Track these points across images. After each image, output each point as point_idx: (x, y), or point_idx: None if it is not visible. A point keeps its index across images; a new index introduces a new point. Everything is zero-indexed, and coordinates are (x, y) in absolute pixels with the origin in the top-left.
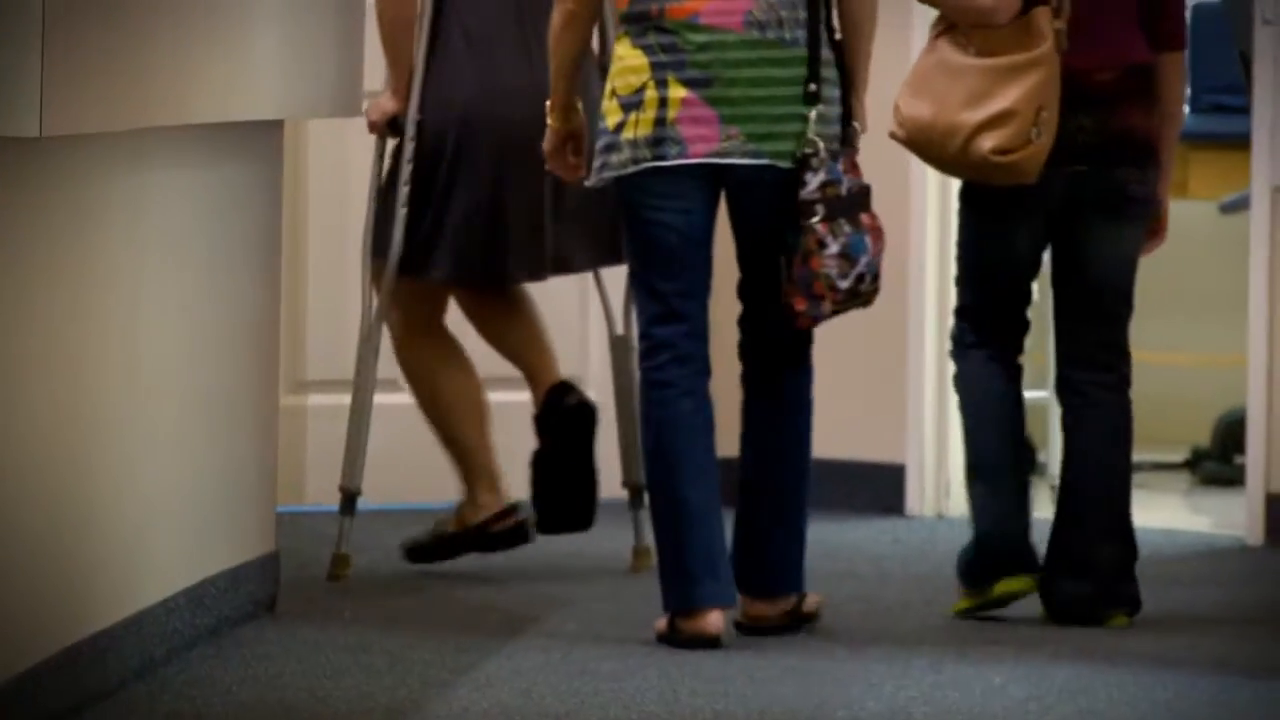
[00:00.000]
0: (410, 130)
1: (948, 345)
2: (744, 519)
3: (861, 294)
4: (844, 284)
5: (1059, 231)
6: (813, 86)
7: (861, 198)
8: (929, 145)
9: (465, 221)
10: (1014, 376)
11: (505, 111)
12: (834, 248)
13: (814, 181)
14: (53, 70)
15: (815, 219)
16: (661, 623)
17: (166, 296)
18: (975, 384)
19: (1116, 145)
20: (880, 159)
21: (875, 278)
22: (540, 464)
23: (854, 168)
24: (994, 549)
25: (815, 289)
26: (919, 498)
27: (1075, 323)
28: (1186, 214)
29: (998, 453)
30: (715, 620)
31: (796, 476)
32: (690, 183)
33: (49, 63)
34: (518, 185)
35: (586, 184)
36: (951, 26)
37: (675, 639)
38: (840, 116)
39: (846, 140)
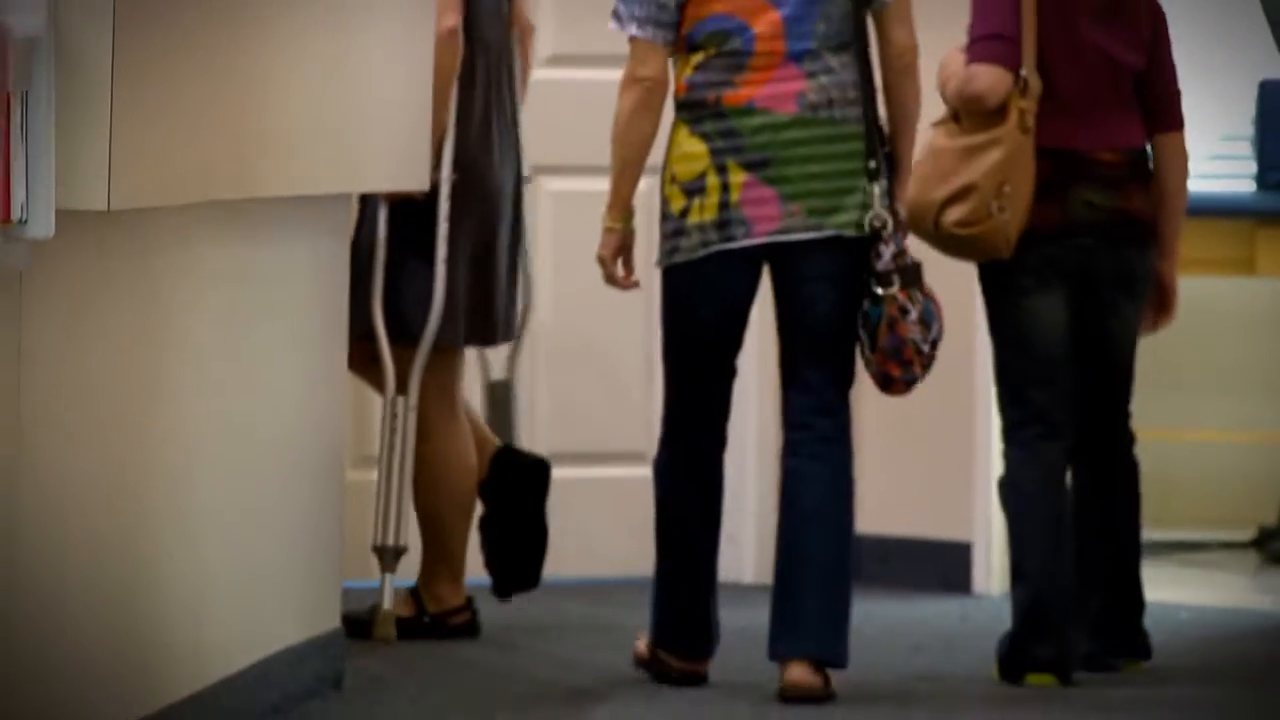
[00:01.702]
0: (445, 189)
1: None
2: (784, 580)
3: (933, 359)
4: (925, 348)
5: (1077, 306)
6: (873, 162)
7: (920, 270)
8: (914, 222)
9: (471, 283)
10: (1062, 471)
11: (498, 176)
12: (914, 314)
13: (887, 253)
14: (120, 144)
15: (895, 288)
16: (642, 645)
17: (230, 368)
18: (1024, 481)
19: (1122, 224)
20: None
21: (939, 343)
22: (494, 529)
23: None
24: (1025, 655)
25: (905, 355)
26: (985, 575)
27: (1084, 393)
28: (1253, 291)
29: (1042, 562)
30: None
31: (840, 538)
32: (744, 263)
33: (117, 137)
34: (502, 250)
35: (656, 265)
36: (954, 117)
37: (662, 673)
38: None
39: (897, 217)
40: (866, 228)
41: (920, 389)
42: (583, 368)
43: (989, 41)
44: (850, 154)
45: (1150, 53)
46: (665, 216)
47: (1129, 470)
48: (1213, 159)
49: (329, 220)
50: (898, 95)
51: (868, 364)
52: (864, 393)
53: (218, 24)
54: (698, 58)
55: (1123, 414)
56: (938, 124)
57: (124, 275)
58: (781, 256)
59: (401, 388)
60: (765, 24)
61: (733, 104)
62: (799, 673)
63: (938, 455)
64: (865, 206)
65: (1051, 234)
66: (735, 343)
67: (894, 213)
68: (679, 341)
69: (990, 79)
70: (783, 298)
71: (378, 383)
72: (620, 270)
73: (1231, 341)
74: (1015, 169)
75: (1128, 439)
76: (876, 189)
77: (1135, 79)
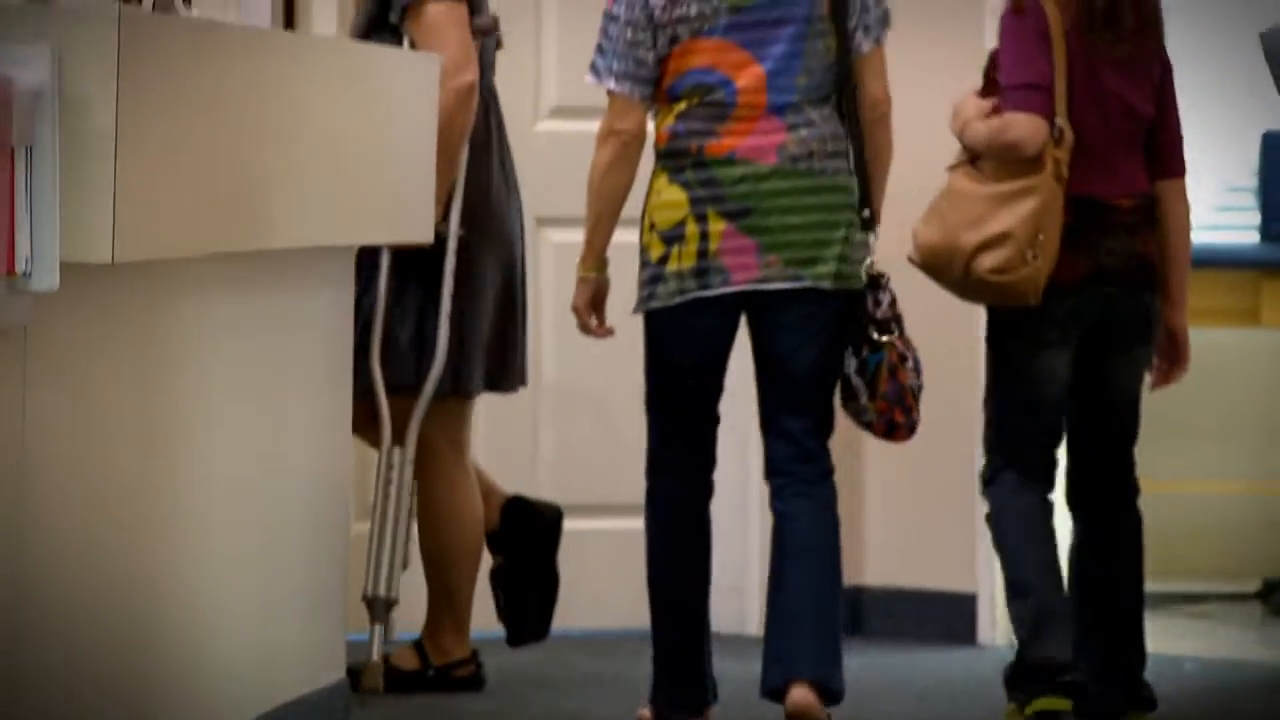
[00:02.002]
0: (452, 244)
1: (984, 489)
2: (775, 613)
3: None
4: (920, 395)
5: (1088, 355)
6: (866, 212)
7: (902, 319)
8: (938, 268)
9: (493, 330)
10: (1049, 508)
11: (515, 224)
12: (911, 361)
13: (885, 300)
14: (125, 197)
15: (895, 335)
16: (647, 714)
17: (236, 421)
18: (1013, 508)
19: (1140, 269)
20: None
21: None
22: (506, 580)
23: None
24: (1033, 666)
25: (907, 400)
26: (990, 626)
27: (1090, 441)
28: (1258, 343)
29: (1038, 572)
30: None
31: (829, 569)
32: (721, 310)
33: (121, 190)
34: (521, 297)
35: (633, 311)
36: (970, 161)
37: None
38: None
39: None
40: (865, 276)
41: (923, 440)
42: (587, 419)
43: (1026, 90)
44: (829, 206)
45: (1159, 101)
46: (644, 264)
47: (1133, 521)
48: (1217, 210)
49: (333, 272)
50: (873, 146)
51: (864, 412)
52: (867, 445)
53: (222, 77)
54: (680, 107)
55: (1129, 462)
56: (954, 167)
57: (128, 328)
58: (759, 306)
59: (399, 438)
60: (748, 77)
61: (714, 154)
62: (800, 694)
63: (940, 506)
64: (844, 258)
65: (1077, 283)
66: (715, 388)
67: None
68: (661, 386)
69: (1029, 128)
70: (761, 348)
71: (377, 442)
72: (593, 320)
73: (1236, 392)
74: (1048, 217)
75: (1134, 488)
76: (872, 238)
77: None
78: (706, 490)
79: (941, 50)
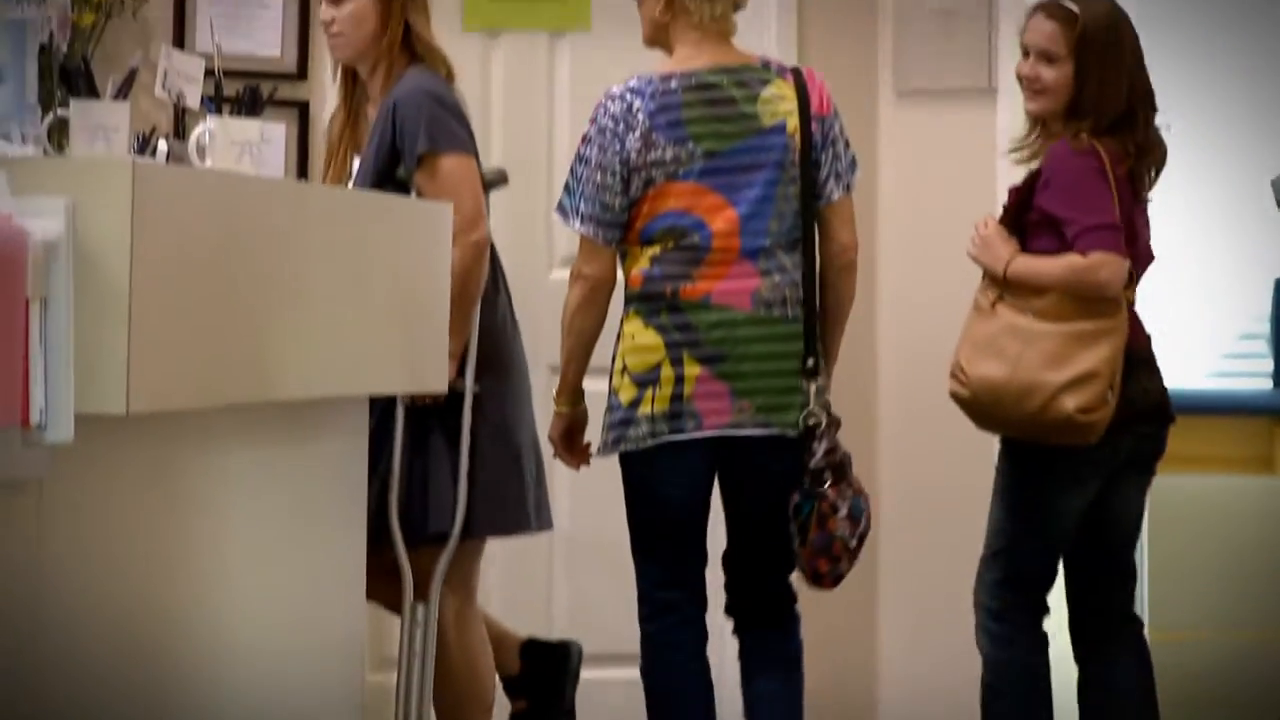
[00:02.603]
0: (469, 399)
1: (988, 622)
2: None
3: (860, 552)
4: (853, 544)
5: (1104, 491)
6: (811, 361)
7: (849, 464)
8: (999, 404)
9: (518, 473)
10: (1045, 647)
11: (523, 368)
12: (843, 510)
13: (820, 450)
14: (139, 349)
15: (827, 485)
16: None
17: (251, 571)
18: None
19: (1165, 405)
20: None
21: (866, 536)
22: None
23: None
24: None
25: (834, 550)
26: None
27: (1095, 576)
28: (1272, 490)
29: None
30: None
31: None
32: (696, 454)
33: (135, 341)
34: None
35: (596, 455)
36: (1003, 294)
37: None
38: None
39: (830, 413)
40: (801, 426)
41: (938, 567)
42: (600, 569)
43: (1108, 231)
44: (797, 354)
45: None
46: (612, 407)
47: (1143, 661)
48: (1229, 357)
49: (348, 421)
50: (836, 292)
51: (795, 557)
52: (884, 573)
53: (237, 228)
54: (653, 250)
55: (1129, 597)
56: (998, 300)
57: (143, 478)
58: (729, 450)
59: (421, 594)
60: (722, 221)
61: (690, 297)
62: None
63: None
64: (804, 406)
65: (1120, 423)
66: (700, 527)
67: (827, 408)
68: (645, 528)
69: (1118, 269)
70: (728, 491)
71: (388, 601)
72: (568, 452)
73: (1249, 540)
74: (1120, 358)
75: (1138, 625)
76: (813, 387)
77: None
78: (703, 632)
79: (956, 130)
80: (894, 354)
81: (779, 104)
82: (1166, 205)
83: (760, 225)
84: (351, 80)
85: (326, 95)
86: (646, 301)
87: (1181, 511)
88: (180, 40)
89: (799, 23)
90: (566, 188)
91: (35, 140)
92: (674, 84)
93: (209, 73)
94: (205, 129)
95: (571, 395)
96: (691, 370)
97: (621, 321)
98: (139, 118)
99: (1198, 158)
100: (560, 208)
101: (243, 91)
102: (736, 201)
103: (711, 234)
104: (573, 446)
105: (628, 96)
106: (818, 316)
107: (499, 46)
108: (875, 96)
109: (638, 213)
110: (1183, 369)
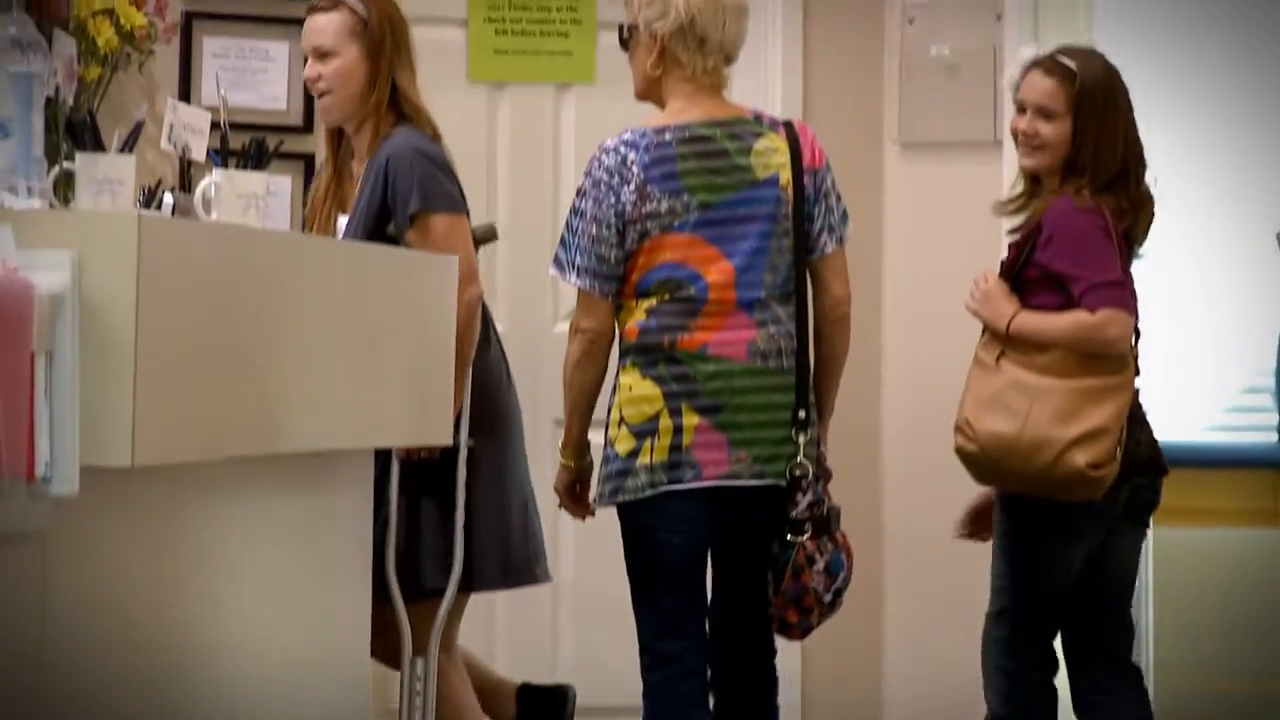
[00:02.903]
0: (463, 454)
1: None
2: None
3: (836, 607)
4: (827, 598)
5: (1103, 542)
6: (802, 413)
7: (837, 517)
8: (1009, 460)
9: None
10: (1055, 702)
11: (516, 419)
12: (820, 564)
13: (803, 501)
14: (144, 401)
15: (805, 536)
16: None
17: (255, 622)
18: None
19: (1159, 456)
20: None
21: (844, 592)
22: None
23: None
24: None
25: (806, 602)
26: None
27: (1093, 628)
28: (1275, 544)
29: None
30: None
31: None
32: (694, 503)
33: (140, 394)
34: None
35: (592, 503)
36: (1005, 350)
37: None
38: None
39: (821, 465)
40: (787, 476)
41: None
42: (604, 620)
43: (1115, 288)
44: (790, 405)
45: None
46: (609, 459)
47: (1144, 707)
48: (1234, 410)
49: (353, 473)
50: (831, 344)
51: (768, 604)
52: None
53: (241, 281)
54: (649, 303)
55: (1126, 645)
56: (1004, 357)
57: (148, 530)
58: (725, 500)
59: (419, 649)
60: (717, 273)
61: (687, 348)
62: None
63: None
64: (792, 456)
65: (1119, 475)
66: (700, 573)
67: (818, 460)
68: (646, 578)
69: (1126, 326)
70: (720, 541)
71: (384, 655)
72: (574, 504)
73: (1255, 593)
74: (1126, 414)
75: (1135, 674)
76: (803, 438)
77: None
78: (705, 683)
79: (960, 182)
80: (899, 404)
81: (772, 157)
82: (1170, 258)
83: (755, 277)
84: (337, 139)
85: None
86: (643, 353)
87: (1187, 564)
88: (186, 93)
89: (804, 74)
90: (562, 242)
91: (41, 194)
92: (668, 136)
93: (215, 126)
94: (211, 182)
95: (577, 449)
96: (690, 420)
97: (617, 373)
98: (145, 171)
99: (1202, 211)
100: (556, 262)
101: (249, 144)
102: (731, 254)
103: (707, 286)
104: (578, 499)
105: (622, 149)
106: (811, 369)
107: (505, 98)
108: (880, 148)
109: (633, 265)
110: (1187, 422)
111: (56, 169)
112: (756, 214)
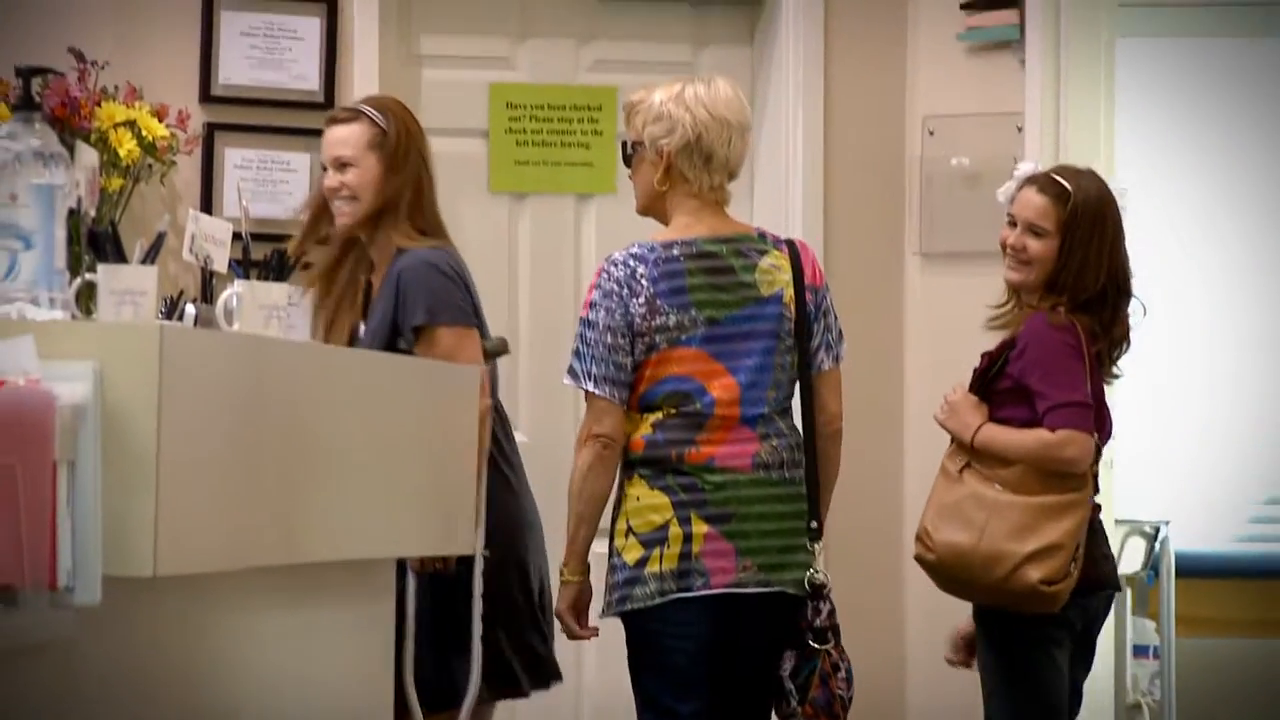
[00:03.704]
0: (479, 565)
1: None
2: None
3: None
4: (848, 704)
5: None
6: (815, 523)
7: (839, 630)
8: (964, 570)
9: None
10: None
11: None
12: (843, 670)
13: (825, 610)
14: (166, 511)
15: (831, 644)
16: None
17: None
18: None
19: (1116, 571)
20: None
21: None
22: None
23: None
24: None
25: (835, 709)
26: None
27: None
28: None
29: None
30: None
31: None
32: (701, 611)
33: (163, 504)
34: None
35: (601, 614)
36: (970, 461)
37: None
38: None
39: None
40: (808, 585)
41: None
42: None
43: (1079, 409)
44: (795, 514)
45: None
46: (616, 567)
47: None
48: (1256, 521)
49: (374, 583)
50: (826, 458)
51: (793, 716)
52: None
53: (264, 391)
54: (655, 416)
55: None
56: (965, 468)
57: (170, 639)
58: (729, 609)
59: None
60: (722, 389)
61: (694, 461)
62: None
63: None
64: (808, 566)
65: (1086, 587)
66: (704, 678)
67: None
68: (653, 686)
69: (1086, 446)
70: (720, 649)
71: None
72: (577, 624)
73: (1275, 705)
74: (1083, 530)
75: None
76: (817, 548)
77: None
78: None
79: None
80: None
81: (776, 274)
82: (1192, 370)
83: (759, 394)
84: (348, 246)
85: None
86: (650, 465)
87: (1211, 674)
88: (208, 204)
89: (825, 185)
90: (576, 353)
91: (63, 305)
92: (676, 251)
93: (236, 236)
94: (233, 293)
95: (581, 564)
96: (699, 529)
97: (622, 484)
98: (166, 281)
99: (1222, 323)
100: (571, 372)
101: (270, 255)
102: (736, 369)
103: (714, 401)
104: (581, 617)
105: (631, 263)
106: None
107: (525, 208)
108: (901, 259)
109: (640, 377)
110: (1210, 532)
111: (79, 280)
112: (760, 330)
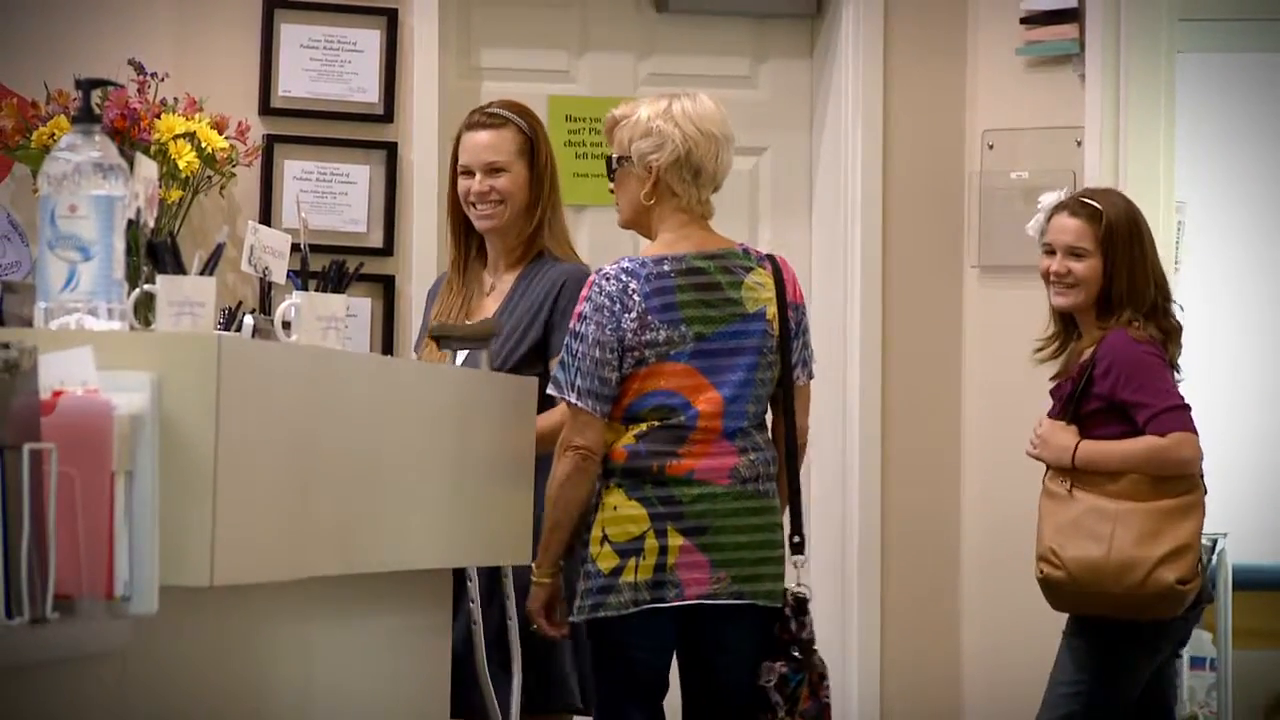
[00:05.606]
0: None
1: None
2: None
3: None
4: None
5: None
6: (797, 538)
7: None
8: (1098, 582)
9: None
10: None
11: None
12: (826, 680)
13: (809, 621)
14: (223, 521)
15: (816, 655)
16: None
17: None
18: None
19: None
20: None
21: None
22: None
23: None
24: None
25: (826, 716)
26: None
27: None
28: None
29: None
30: None
31: None
32: (670, 622)
33: (220, 514)
34: None
35: (573, 620)
36: (1075, 481)
37: None
38: None
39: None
40: (791, 600)
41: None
42: None
43: (1180, 412)
44: (768, 526)
45: None
46: (590, 574)
47: None
48: None
49: (431, 593)
50: (790, 471)
51: None
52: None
53: (321, 402)
54: (639, 428)
55: None
56: (1076, 486)
57: (227, 650)
58: (701, 621)
59: None
60: (706, 402)
61: (675, 473)
62: None
63: None
64: (779, 577)
65: (1196, 598)
66: (664, 691)
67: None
68: (616, 692)
69: (1197, 448)
70: (693, 661)
71: None
72: (548, 623)
73: None
74: (1202, 530)
75: None
76: (799, 560)
77: None
78: None
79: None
80: (978, 523)
81: (761, 291)
82: (1251, 383)
83: (741, 408)
84: (466, 246)
85: (411, 271)
86: (630, 476)
87: (1267, 687)
88: (266, 215)
89: (884, 200)
90: (562, 364)
91: (122, 315)
92: (667, 267)
93: (295, 248)
94: (291, 304)
95: (553, 567)
96: (675, 541)
97: (600, 493)
98: (225, 292)
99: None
100: (555, 383)
101: (328, 267)
102: (720, 384)
103: (697, 414)
104: (552, 617)
105: (623, 278)
106: (784, 492)
107: (584, 220)
108: (960, 271)
109: (626, 389)
110: (1268, 545)
111: (137, 291)
112: (745, 346)
